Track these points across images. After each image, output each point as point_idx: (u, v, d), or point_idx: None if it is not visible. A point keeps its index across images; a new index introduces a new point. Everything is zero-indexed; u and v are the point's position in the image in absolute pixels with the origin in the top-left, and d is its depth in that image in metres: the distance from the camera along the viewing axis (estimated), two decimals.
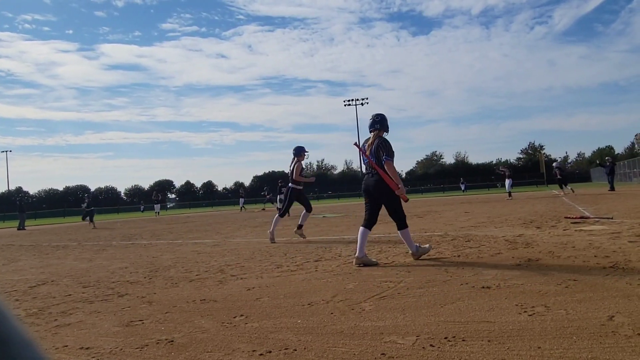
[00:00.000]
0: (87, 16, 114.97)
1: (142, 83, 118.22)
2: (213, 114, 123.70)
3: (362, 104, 60.92)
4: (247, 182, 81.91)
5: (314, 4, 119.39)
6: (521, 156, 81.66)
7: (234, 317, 2.81)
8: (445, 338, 2.17)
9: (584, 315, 2.37)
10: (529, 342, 2.04)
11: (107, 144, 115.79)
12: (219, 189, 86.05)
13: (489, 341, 2.09)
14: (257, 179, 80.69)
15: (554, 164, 21.77)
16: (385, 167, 4.45)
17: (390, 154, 4.49)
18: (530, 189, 40.04)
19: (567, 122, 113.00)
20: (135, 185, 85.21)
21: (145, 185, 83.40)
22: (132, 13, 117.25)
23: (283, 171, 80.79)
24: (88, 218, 17.58)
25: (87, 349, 2.39)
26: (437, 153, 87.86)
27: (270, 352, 2.16)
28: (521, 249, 4.78)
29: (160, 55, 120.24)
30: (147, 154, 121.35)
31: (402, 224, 4.52)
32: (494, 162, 75.48)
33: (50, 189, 78.77)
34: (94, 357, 2.26)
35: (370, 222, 4.62)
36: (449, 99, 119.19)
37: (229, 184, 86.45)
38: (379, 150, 4.52)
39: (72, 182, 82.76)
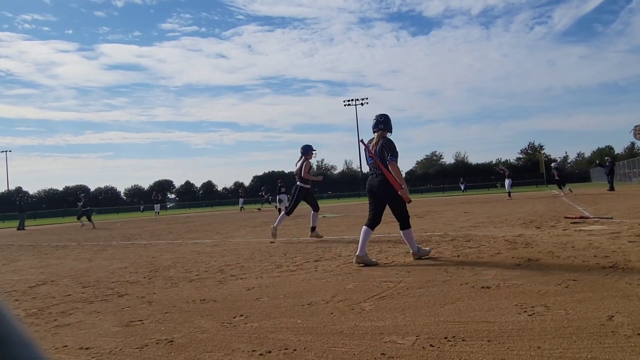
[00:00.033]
0: (86, 16, 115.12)
1: (141, 83, 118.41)
2: (213, 114, 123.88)
3: (362, 104, 60.99)
4: (247, 182, 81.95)
5: (314, 4, 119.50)
6: (521, 156, 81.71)
7: (234, 317, 2.81)
8: (445, 338, 2.17)
9: (584, 315, 2.37)
10: (529, 342, 2.04)
11: (106, 144, 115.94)
12: (218, 189, 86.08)
13: (488, 341, 2.09)
14: (257, 179, 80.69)
15: (552, 165, 21.78)
16: (390, 168, 4.46)
17: (394, 154, 4.51)
18: (530, 189, 40.05)
19: (566, 122, 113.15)
20: (135, 185, 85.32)
21: (145, 185, 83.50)
22: (131, 13, 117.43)
23: (283, 171, 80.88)
24: (84, 218, 17.36)
25: (86, 349, 2.39)
26: (437, 153, 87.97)
27: (270, 352, 2.16)
28: (521, 249, 4.78)
29: (160, 55, 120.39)
30: (147, 154, 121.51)
31: (405, 224, 4.53)
32: (494, 162, 75.48)
33: (50, 189, 78.80)
34: (93, 357, 2.26)
35: (374, 222, 4.63)
36: (449, 99, 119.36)
37: (229, 184, 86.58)
38: (383, 150, 4.53)
39: (72, 182, 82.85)
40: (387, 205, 4.64)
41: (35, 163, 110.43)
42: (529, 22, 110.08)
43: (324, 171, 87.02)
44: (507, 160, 76.89)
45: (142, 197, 70.86)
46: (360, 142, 4.86)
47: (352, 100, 61.27)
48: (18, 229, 19.15)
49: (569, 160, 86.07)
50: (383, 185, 4.52)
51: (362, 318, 2.61)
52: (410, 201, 4.56)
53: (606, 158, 22.49)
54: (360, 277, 3.84)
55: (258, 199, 31.48)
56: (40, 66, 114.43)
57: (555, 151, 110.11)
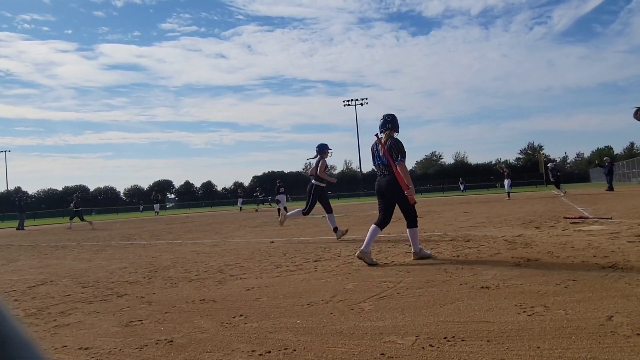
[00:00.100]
0: (86, 16, 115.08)
1: (141, 83, 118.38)
2: (212, 114, 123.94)
3: (361, 104, 61.06)
4: (246, 182, 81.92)
5: (314, 4, 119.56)
6: (520, 156, 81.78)
7: (234, 317, 2.81)
8: (445, 338, 2.17)
9: (583, 315, 2.37)
10: (528, 342, 2.04)
11: (106, 144, 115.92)
12: (218, 189, 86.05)
13: (488, 341, 2.09)
14: (256, 179, 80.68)
15: (549, 165, 21.78)
16: (398, 168, 4.48)
17: (402, 154, 4.54)
18: (529, 189, 40.07)
19: (566, 123, 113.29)
20: (134, 185, 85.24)
21: (145, 185, 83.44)
22: (131, 13, 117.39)
23: (282, 171, 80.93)
24: (76, 218, 17.15)
25: (86, 349, 2.38)
26: (437, 153, 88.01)
27: (269, 352, 2.16)
28: (520, 249, 4.79)
29: (160, 55, 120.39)
30: (146, 154, 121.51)
31: (412, 223, 4.57)
32: (494, 162, 75.50)
33: (49, 189, 78.71)
34: (93, 357, 2.26)
35: (383, 222, 4.65)
36: (449, 99, 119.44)
37: (229, 184, 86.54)
38: (392, 150, 4.54)
39: (71, 182, 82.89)
40: (396, 205, 4.65)
41: (35, 163, 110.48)
42: (529, 23, 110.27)
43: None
44: (506, 161, 76.95)
45: (142, 197, 70.88)
46: (375, 136, 4.83)
47: (352, 100, 61.36)
48: (18, 229, 19.15)
49: (568, 161, 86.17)
50: (391, 185, 4.54)
51: (361, 318, 2.61)
52: (415, 202, 4.58)
53: (605, 158, 22.52)
54: (360, 277, 3.84)
55: (254, 200, 31.61)
56: (39, 66, 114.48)
57: (554, 151, 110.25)
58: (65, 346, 2.46)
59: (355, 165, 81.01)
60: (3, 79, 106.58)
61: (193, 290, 3.76)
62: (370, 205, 22.09)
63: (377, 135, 4.81)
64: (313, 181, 7.40)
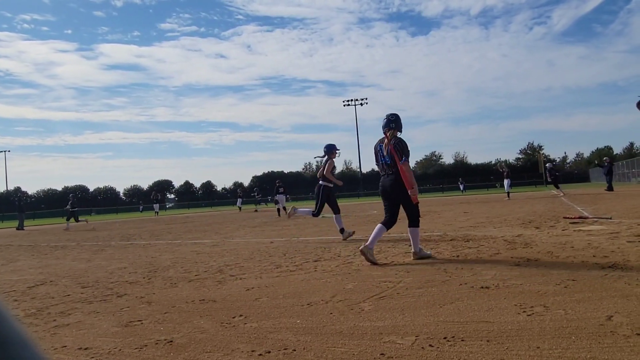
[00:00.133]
0: (85, 16, 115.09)
1: (141, 83, 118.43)
2: (212, 114, 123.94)
3: (361, 104, 61.02)
4: (246, 183, 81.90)
5: (313, 4, 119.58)
6: (520, 156, 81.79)
7: (233, 318, 2.81)
8: (445, 338, 2.17)
9: (583, 315, 2.38)
10: (528, 342, 2.04)
11: (106, 144, 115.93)
12: (218, 189, 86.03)
13: (487, 341, 2.09)
14: (256, 179, 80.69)
15: (547, 165, 21.79)
16: (402, 168, 4.50)
17: (406, 154, 4.57)
18: (529, 189, 40.09)
19: (566, 123, 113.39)
20: (134, 185, 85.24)
21: (145, 185, 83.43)
22: (131, 13, 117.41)
23: (282, 171, 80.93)
24: (72, 219, 17.03)
25: (85, 349, 2.38)
26: (437, 153, 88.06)
27: (269, 352, 2.16)
28: (520, 249, 4.79)
29: (160, 55, 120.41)
30: (146, 154, 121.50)
31: (414, 223, 4.58)
32: (493, 162, 75.49)
33: (49, 189, 78.69)
34: (92, 357, 2.26)
35: (390, 222, 4.67)
36: (448, 99, 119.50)
37: (228, 184, 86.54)
38: (396, 150, 4.54)
39: (71, 182, 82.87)
40: (401, 204, 4.65)
41: (35, 163, 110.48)
42: (528, 23, 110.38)
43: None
44: (506, 160, 76.98)
45: (142, 197, 70.87)
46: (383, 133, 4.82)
47: (352, 100, 61.32)
48: (17, 229, 19.14)
49: (568, 161, 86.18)
50: (395, 184, 4.56)
51: (361, 318, 2.61)
52: (417, 202, 4.60)
53: (605, 158, 22.53)
54: (360, 277, 3.84)
55: (253, 200, 31.79)
56: (39, 66, 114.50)
57: (554, 151, 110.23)
58: (65, 346, 2.46)
59: (355, 165, 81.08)
60: (3, 79, 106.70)
61: (193, 291, 3.76)
62: (370, 205, 22.10)
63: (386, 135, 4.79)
64: (321, 182, 7.34)
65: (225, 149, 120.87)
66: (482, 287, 3.14)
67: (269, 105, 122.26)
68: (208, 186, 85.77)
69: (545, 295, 2.83)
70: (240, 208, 29.56)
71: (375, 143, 4.92)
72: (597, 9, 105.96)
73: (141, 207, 50.94)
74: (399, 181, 4.53)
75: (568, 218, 7.90)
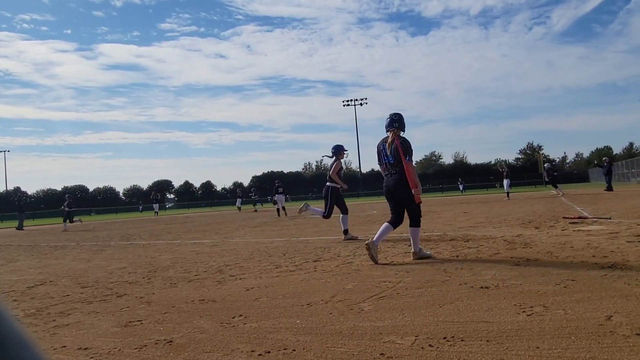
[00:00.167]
0: (85, 16, 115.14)
1: (140, 83, 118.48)
2: (212, 114, 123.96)
3: (361, 104, 61.02)
4: (246, 183, 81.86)
5: (313, 4, 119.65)
6: (520, 156, 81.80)
7: (233, 318, 2.81)
8: (444, 338, 2.17)
9: (582, 315, 2.38)
10: (528, 342, 2.05)
11: (105, 144, 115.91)
12: (217, 189, 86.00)
13: (487, 341, 2.09)
14: (256, 179, 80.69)
15: (545, 165, 21.82)
16: (406, 168, 4.52)
17: (410, 154, 4.58)
18: (528, 189, 40.10)
19: (565, 123, 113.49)
20: (134, 185, 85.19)
21: (144, 185, 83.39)
22: (130, 13, 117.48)
23: (282, 171, 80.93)
24: (69, 219, 16.91)
25: (85, 349, 2.38)
26: (436, 153, 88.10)
27: (269, 352, 2.16)
28: (520, 249, 4.79)
29: (159, 55, 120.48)
30: (146, 154, 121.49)
31: (415, 222, 4.59)
32: (493, 162, 75.50)
33: (48, 189, 78.65)
34: (92, 357, 2.26)
35: (396, 221, 4.68)
36: (448, 99, 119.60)
37: (228, 184, 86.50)
38: (399, 150, 4.55)
39: (71, 182, 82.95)
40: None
41: (34, 163, 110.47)
42: (528, 23, 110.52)
43: (323, 171, 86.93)
44: (506, 160, 76.98)
45: (141, 197, 70.85)
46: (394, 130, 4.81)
47: (351, 100, 61.31)
48: (18, 229, 19.14)
49: (567, 161, 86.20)
50: (398, 183, 4.58)
51: (361, 318, 2.61)
52: (420, 202, 4.61)
53: (604, 158, 22.54)
54: (359, 277, 3.84)
55: (250, 200, 31.94)
56: (38, 66, 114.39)
57: (554, 151, 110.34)
58: (65, 346, 2.46)
59: (354, 165, 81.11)
60: (2, 79, 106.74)
61: (192, 291, 3.76)
62: (370, 205, 22.10)
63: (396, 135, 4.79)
64: (328, 183, 7.31)
65: (225, 149, 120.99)
66: (481, 287, 3.14)
67: (269, 105, 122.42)
68: (208, 186, 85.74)
69: (545, 295, 2.83)
70: (239, 208, 29.59)
71: (377, 143, 4.93)
72: (596, 9, 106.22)
73: (141, 207, 50.92)
74: (402, 180, 4.55)
75: (567, 218, 7.90)
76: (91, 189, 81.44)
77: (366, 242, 4.55)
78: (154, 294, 3.74)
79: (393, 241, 6.12)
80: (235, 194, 31.92)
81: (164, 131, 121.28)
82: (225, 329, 2.58)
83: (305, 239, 7.63)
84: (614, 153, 73.34)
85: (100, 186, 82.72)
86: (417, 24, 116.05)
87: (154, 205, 32.80)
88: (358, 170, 69.83)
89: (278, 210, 18.23)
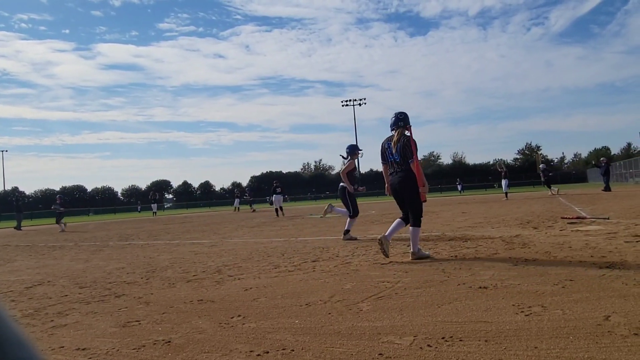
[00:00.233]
0: (83, 16, 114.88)
1: (139, 83, 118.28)
2: (210, 114, 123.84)
3: (359, 105, 60.99)
4: (244, 183, 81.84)
5: (312, 4, 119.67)
6: (518, 156, 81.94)
7: (232, 318, 2.81)
8: (443, 338, 2.17)
9: (581, 315, 2.38)
10: (526, 342, 2.05)
11: (104, 144, 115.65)
12: (216, 189, 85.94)
13: (486, 341, 2.09)
14: (254, 179, 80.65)
15: (540, 166, 21.85)
16: (413, 166, 4.57)
17: (416, 152, 4.62)
18: (527, 189, 40.16)
19: (564, 123, 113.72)
20: (132, 185, 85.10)
21: (143, 185, 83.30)
22: (129, 13, 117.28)
23: (281, 171, 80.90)
24: (65, 219, 16.78)
25: (83, 349, 2.38)
26: (435, 153, 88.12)
27: (267, 352, 2.15)
28: (518, 250, 4.80)
29: (158, 55, 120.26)
30: (144, 154, 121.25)
31: (416, 222, 4.62)
32: (492, 162, 75.58)
33: (46, 189, 78.43)
34: (90, 357, 2.26)
35: (408, 218, 4.73)
36: (447, 100, 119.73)
37: (227, 184, 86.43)
38: (405, 148, 4.59)
39: (69, 182, 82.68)
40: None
41: (32, 163, 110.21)
42: (526, 23, 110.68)
43: (322, 171, 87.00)
44: (504, 161, 77.04)
45: (140, 197, 70.71)
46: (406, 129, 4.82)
47: (350, 100, 61.27)
48: (16, 229, 19.10)
49: (566, 161, 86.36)
50: (404, 181, 4.63)
51: (359, 318, 2.61)
52: (425, 200, 4.66)
53: (601, 159, 22.57)
54: (358, 278, 3.84)
55: (244, 201, 32.11)
56: (36, 66, 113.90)
57: (552, 152, 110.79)
58: (63, 347, 2.45)
59: None
60: (0, 79, 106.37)
61: (191, 291, 3.75)
62: (369, 205, 22.10)
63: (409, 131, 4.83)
64: (342, 183, 7.26)
65: (223, 149, 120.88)
66: (480, 287, 3.14)
67: (268, 106, 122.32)
68: (206, 186, 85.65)
69: (543, 295, 2.83)
70: (238, 208, 29.59)
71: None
72: (594, 9, 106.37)
73: (139, 207, 50.84)
74: (408, 178, 4.60)
75: (566, 218, 7.92)
76: (89, 189, 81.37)
77: (379, 237, 4.60)
78: (152, 294, 3.73)
79: (392, 241, 6.12)
80: (234, 194, 32.00)
81: (162, 131, 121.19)
82: (223, 329, 2.57)
83: (304, 239, 7.63)
84: (612, 153, 73.52)
85: (99, 186, 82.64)
86: (416, 24, 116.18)
87: (152, 205, 32.78)
88: (357, 170, 69.81)
89: (277, 210, 18.23)
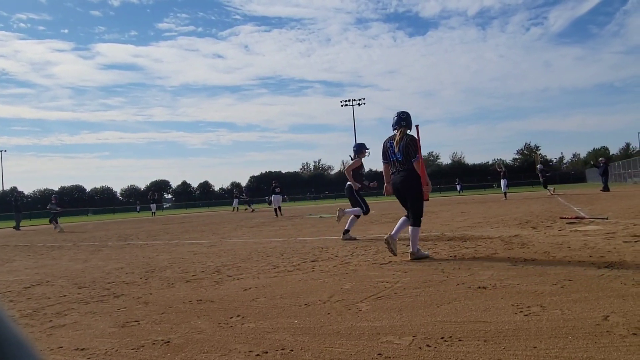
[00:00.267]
0: (82, 15, 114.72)
1: (138, 83, 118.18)
2: (209, 114, 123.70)
3: (359, 105, 60.94)
4: (243, 183, 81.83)
5: (311, 4, 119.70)
6: (517, 157, 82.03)
7: (231, 318, 2.80)
8: (442, 338, 2.17)
9: (579, 315, 2.38)
10: (525, 341, 2.05)
11: (103, 143, 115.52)
12: (215, 189, 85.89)
13: (485, 341, 2.10)
14: (253, 179, 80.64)
15: (537, 166, 21.90)
16: (416, 166, 4.59)
17: (419, 152, 4.63)
18: (526, 189, 40.20)
19: (563, 123, 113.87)
20: (131, 185, 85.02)
21: (142, 185, 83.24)
22: (128, 12, 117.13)
23: (280, 171, 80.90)
24: (55, 220, 16.55)
25: (82, 350, 2.37)
26: (434, 153, 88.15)
27: (267, 352, 2.15)
28: (517, 249, 4.80)
29: (157, 55, 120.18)
30: (143, 154, 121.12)
31: (416, 222, 4.63)
32: (491, 162, 75.65)
33: (45, 189, 78.27)
34: (89, 358, 2.25)
35: None
36: (446, 100, 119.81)
37: (226, 184, 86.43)
38: (408, 147, 4.60)
39: (68, 182, 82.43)
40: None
41: (31, 163, 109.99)
42: (525, 23, 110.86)
43: (321, 171, 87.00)
44: (503, 161, 77.10)
45: (139, 197, 70.68)
46: (415, 127, 4.82)
47: (349, 100, 61.19)
48: (15, 229, 19.07)
49: (564, 161, 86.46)
50: (406, 180, 4.64)
51: (359, 318, 2.61)
52: (427, 199, 4.68)
53: (600, 159, 22.61)
54: (357, 278, 3.84)
55: (241, 202, 32.20)
56: (35, 65, 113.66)
57: (551, 152, 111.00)
58: (61, 347, 2.45)
59: None
60: None
61: (190, 291, 3.75)
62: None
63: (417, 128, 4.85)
64: (349, 182, 7.23)
65: (222, 149, 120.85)
66: (479, 287, 3.15)
67: (267, 106, 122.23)
68: (205, 186, 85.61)
69: (542, 295, 2.84)
70: (237, 208, 29.61)
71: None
72: (593, 10, 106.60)
73: (138, 207, 50.79)
74: (410, 177, 4.61)
75: (565, 218, 7.93)
76: (88, 189, 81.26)
77: (385, 237, 4.61)
78: (151, 294, 3.73)
79: None
80: (232, 194, 32.06)
81: (161, 131, 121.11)
82: (222, 330, 2.57)
83: (303, 239, 7.63)
84: (611, 153, 73.67)
85: (97, 186, 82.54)
86: (415, 24, 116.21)
87: (151, 205, 32.77)
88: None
89: (276, 210, 18.24)
